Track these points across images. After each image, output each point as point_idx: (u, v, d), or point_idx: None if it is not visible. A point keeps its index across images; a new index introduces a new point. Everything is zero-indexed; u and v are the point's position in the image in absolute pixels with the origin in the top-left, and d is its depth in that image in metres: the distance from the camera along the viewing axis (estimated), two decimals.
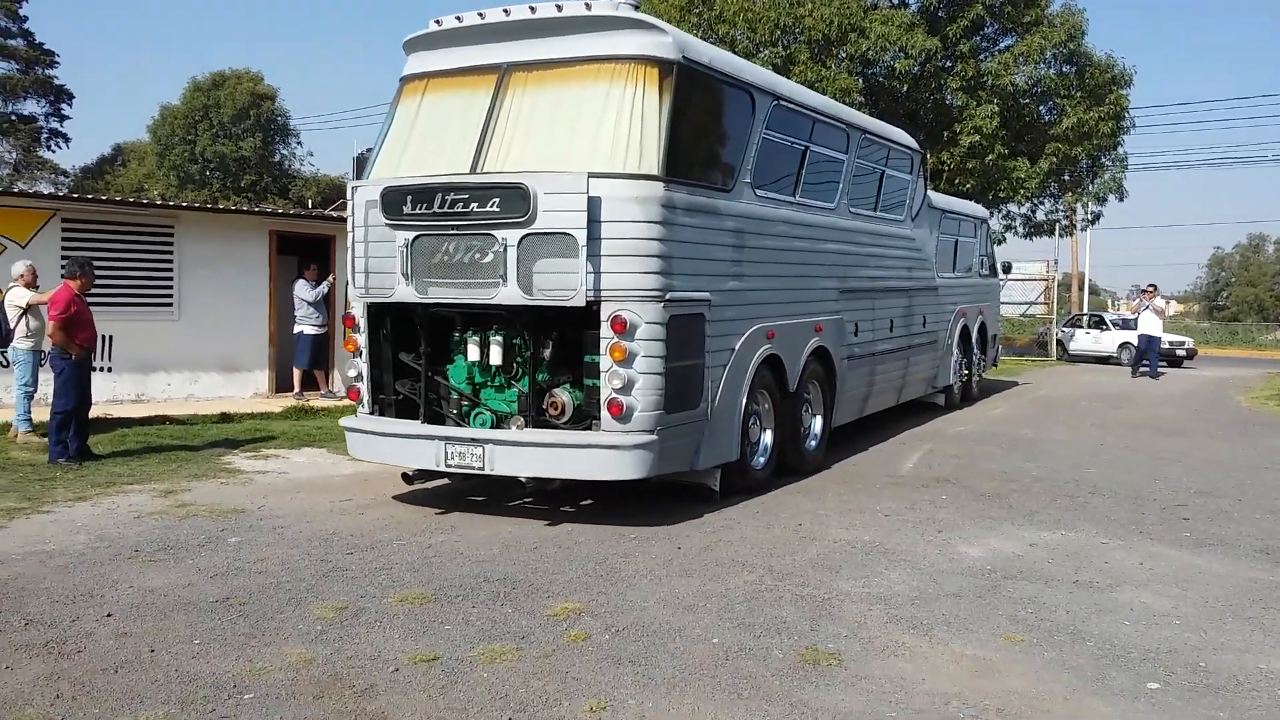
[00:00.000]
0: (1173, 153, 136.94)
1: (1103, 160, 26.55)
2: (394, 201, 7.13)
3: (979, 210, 16.55)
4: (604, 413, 6.82)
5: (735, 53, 22.47)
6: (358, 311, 7.66)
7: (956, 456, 10.26)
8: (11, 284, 9.99)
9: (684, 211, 7.02)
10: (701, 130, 7.67)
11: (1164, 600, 5.52)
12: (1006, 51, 23.73)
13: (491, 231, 6.79)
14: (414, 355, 7.66)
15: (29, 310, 9.85)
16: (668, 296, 6.83)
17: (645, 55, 6.97)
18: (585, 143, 6.92)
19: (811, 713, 4.03)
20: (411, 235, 7.10)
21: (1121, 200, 27.37)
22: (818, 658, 4.60)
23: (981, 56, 24.09)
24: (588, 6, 7.09)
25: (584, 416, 7.16)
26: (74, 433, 9.19)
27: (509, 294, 6.80)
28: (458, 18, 7.59)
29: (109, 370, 12.30)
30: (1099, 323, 28.58)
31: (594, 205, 6.58)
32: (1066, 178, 26.83)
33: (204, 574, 5.78)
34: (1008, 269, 18.70)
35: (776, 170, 8.60)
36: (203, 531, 6.75)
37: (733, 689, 4.25)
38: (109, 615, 5.07)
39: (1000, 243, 27.08)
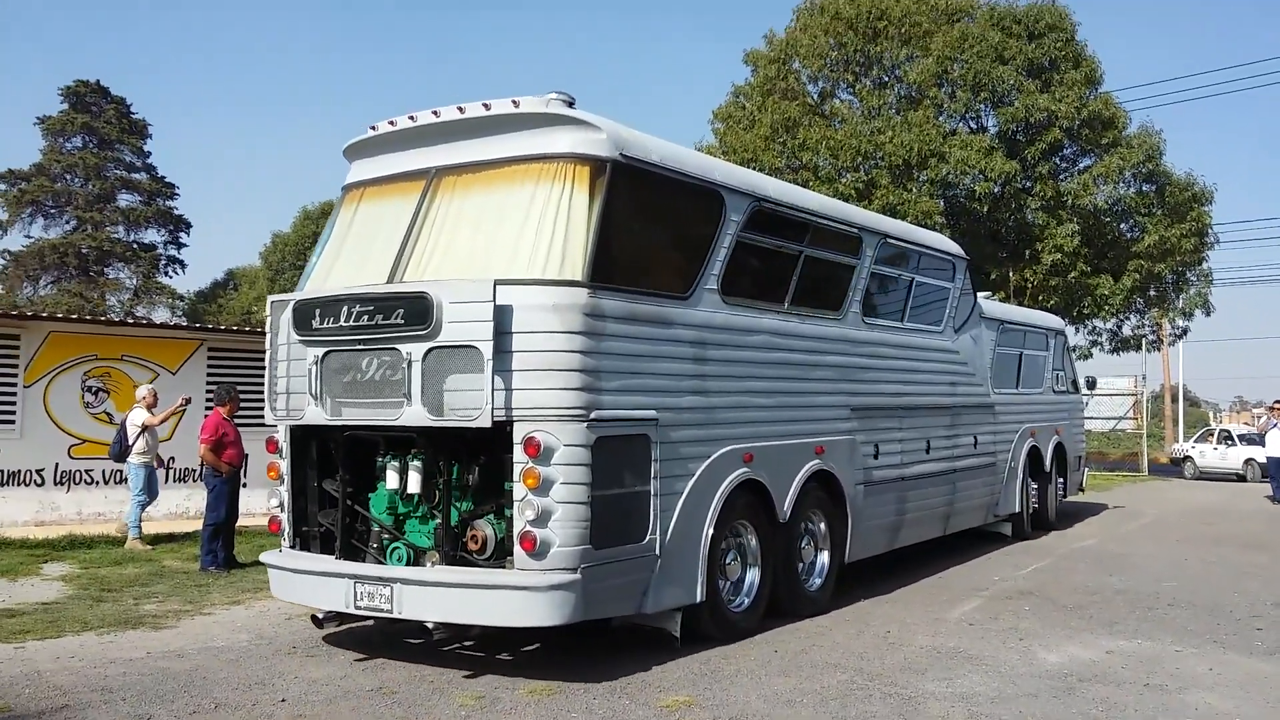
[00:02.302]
0: (1258, 267, 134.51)
1: (1188, 275, 26.81)
2: (304, 316, 6.69)
3: (1050, 321, 15.27)
4: (516, 548, 6.10)
5: (815, 179, 23.70)
6: (280, 435, 7.13)
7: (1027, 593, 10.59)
8: (135, 405, 11.52)
9: (618, 321, 6.41)
10: (646, 233, 7.17)
11: (1228, 701, 5.95)
12: (1085, 172, 24.39)
13: (397, 346, 6.28)
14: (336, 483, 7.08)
15: (145, 430, 11.30)
16: (593, 415, 6.15)
17: (574, 153, 6.50)
18: (506, 248, 6.43)
19: None
20: (321, 351, 6.64)
21: (1209, 315, 27.52)
22: None
23: (1061, 177, 24.80)
24: (515, 104, 6.70)
25: (508, 552, 6.32)
26: (222, 543, 10.20)
27: (414, 414, 6.23)
28: (391, 122, 7.30)
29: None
30: (1226, 438, 28.29)
31: (503, 315, 6.02)
32: (1151, 293, 27.09)
33: (356, 668, 6.56)
34: (1092, 385, 17.49)
35: (758, 276, 8.03)
36: (347, 631, 7.55)
37: None
38: (283, 700, 5.86)
39: (1086, 358, 27.33)
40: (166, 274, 54.06)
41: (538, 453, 6.00)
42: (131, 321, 15.40)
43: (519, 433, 6.06)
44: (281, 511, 7.12)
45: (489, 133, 6.80)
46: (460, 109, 6.90)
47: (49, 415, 12.69)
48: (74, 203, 48.03)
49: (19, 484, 12.53)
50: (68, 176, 48.55)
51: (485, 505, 6.53)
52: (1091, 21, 55.23)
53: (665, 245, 7.35)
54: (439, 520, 6.59)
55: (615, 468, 6.32)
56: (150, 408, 11.43)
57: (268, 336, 7.10)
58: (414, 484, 6.57)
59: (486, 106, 6.78)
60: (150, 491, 11.49)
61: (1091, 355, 27.98)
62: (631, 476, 6.48)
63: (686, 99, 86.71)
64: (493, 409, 5.97)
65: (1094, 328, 27.89)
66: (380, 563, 6.69)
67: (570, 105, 6.71)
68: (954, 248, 11.40)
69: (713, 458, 7.11)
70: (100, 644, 7.21)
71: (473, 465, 6.59)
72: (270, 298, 7.22)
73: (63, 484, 12.76)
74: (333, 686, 6.15)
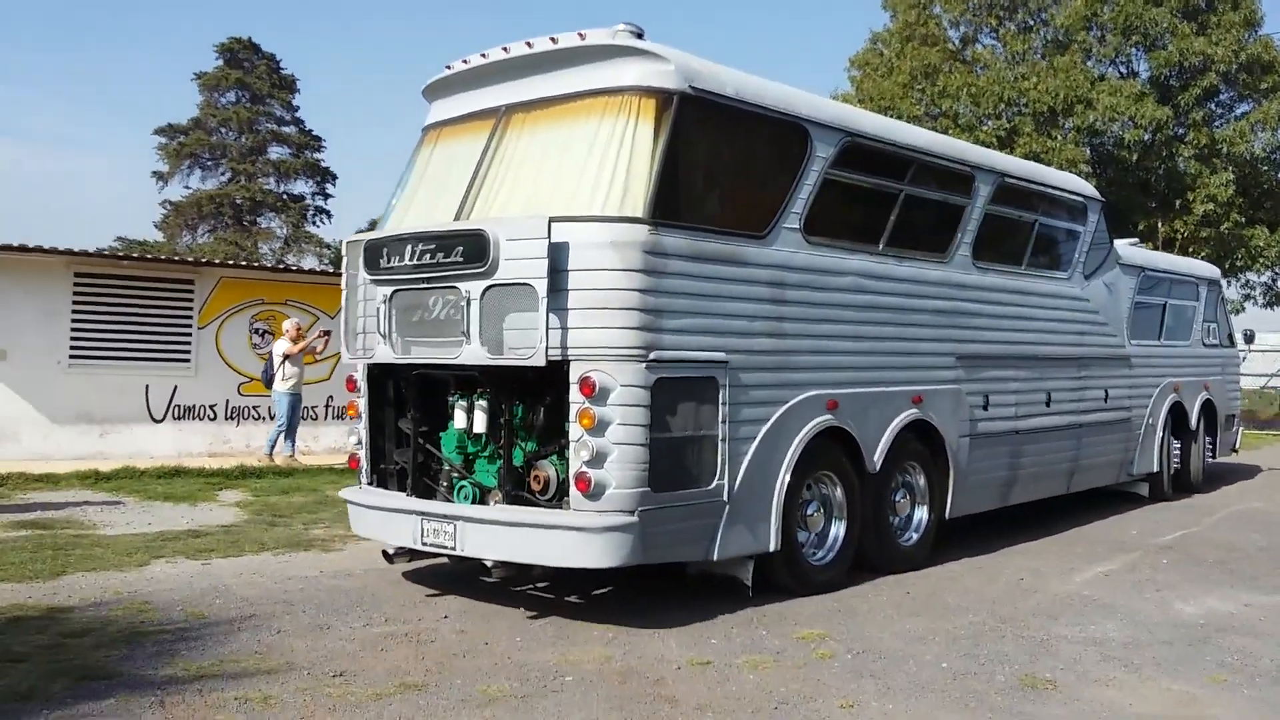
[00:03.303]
0: None
1: None
2: (374, 255, 6.77)
3: (1203, 269, 14.30)
4: (572, 488, 6.02)
5: (955, 126, 23.22)
6: (358, 374, 7.21)
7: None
8: (281, 337, 12.73)
9: (684, 259, 6.24)
10: (719, 169, 6.90)
11: None
12: (1243, 119, 23.32)
13: (457, 284, 6.27)
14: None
15: (288, 359, 12.35)
16: (652, 356, 6.00)
17: (641, 86, 6.31)
18: (569, 184, 6.32)
19: None
20: (389, 290, 6.70)
21: None
22: (1036, 683, 5.33)
23: (1216, 124, 23.76)
24: (581, 37, 6.53)
25: (569, 493, 6.20)
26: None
27: (473, 353, 6.22)
28: (464, 60, 7.22)
29: None
30: None
31: (558, 252, 5.92)
32: None
33: (505, 593, 7.02)
34: (1250, 339, 16.25)
35: (849, 215, 7.75)
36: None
37: (961, 701, 5.05)
38: (445, 617, 6.37)
39: (1238, 312, 26.23)
40: (315, 224, 56.07)
41: (593, 392, 5.89)
42: (295, 269, 16.38)
43: (575, 372, 5.98)
44: (360, 449, 7.24)
45: (557, 67, 6.67)
46: (529, 44, 6.77)
47: (220, 355, 13.73)
48: (228, 155, 50.25)
49: (194, 418, 13.59)
50: (222, 130, 50.73)
51: (550, 446, 6.45)
52: None
53: (740, 182, 7.04)
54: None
55: (677, 410, 6.19)
56: (294, 340, 12.44)
57: (344, 276, 7.09)
58: (480, 423, 6.55)
59: (554, 40, 6.64)
60: (291, 421, 12.49)
61: (1244, 309, 26.87)
62: (696, 419, 6.33)
63: (821, 45, 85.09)
64: (547, 348, 5.91)
65: (1247, 281, 26.76)
66: (449, 501, 6.72)
67: (639, 36, 6.49)
68: (1087, 189, 10.79)
69: (791, 403, 6.86)
70: (277, 563, 7.89)
71: (538, 405, 6.52)
72: (346, 238, 7.23)
73: (233, 419, 13.81)
74: (492, 605, 6.65)
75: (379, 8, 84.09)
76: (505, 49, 6.91)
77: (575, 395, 5.97)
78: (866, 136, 7.62)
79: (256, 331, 13.94)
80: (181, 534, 8.84)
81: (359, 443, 7.25)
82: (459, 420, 6.69)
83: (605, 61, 6.48)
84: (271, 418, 13.21)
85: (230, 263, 15.89)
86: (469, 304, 6.19)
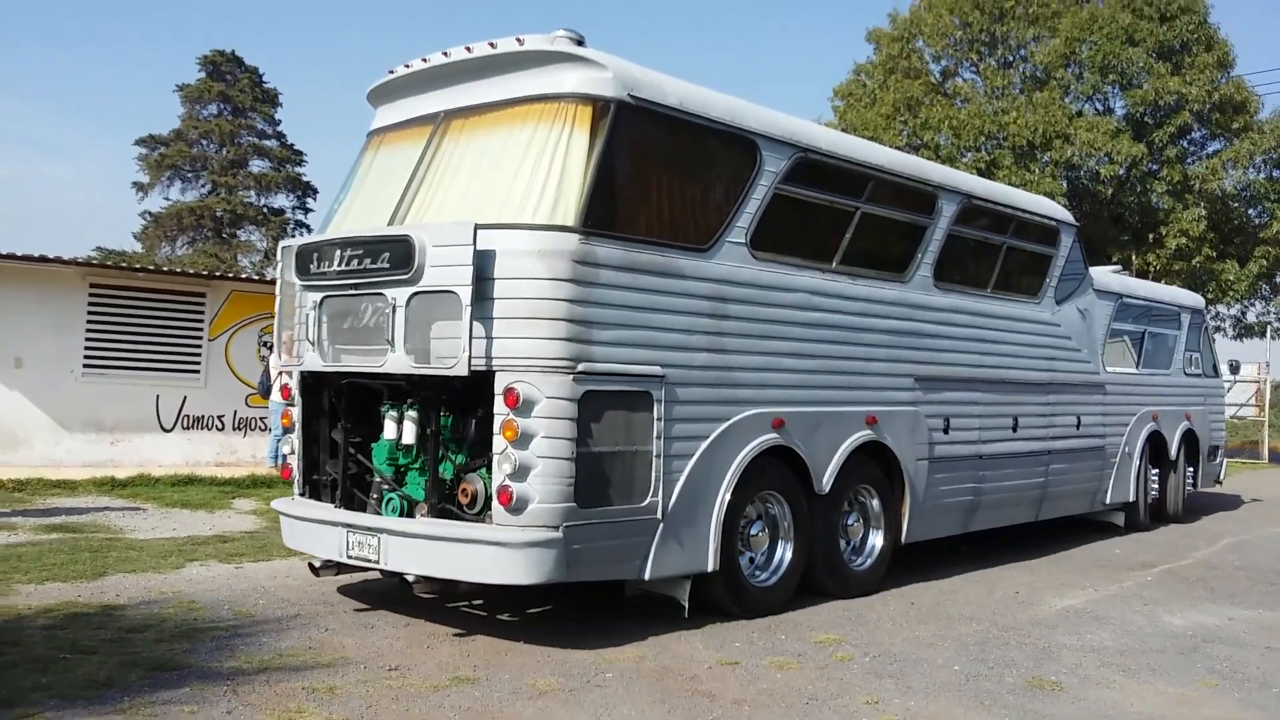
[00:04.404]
0: None
1: None
2: (304, 261, 6.65)
3: (1185, 298, 14.04)
4: (495, 502, 5.88)
5: (936, 158, 23.85)
6: (292, 382, 7.06)
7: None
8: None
9: (617, 270, 6.12)
10: (659, 180, 6.73)
11: None
12: (1215, 157, 24.07)
13: (383, 291, 6.15)
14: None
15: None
16: (580, 368, 5.88)
17: (577, 93, 6.23)
18: (500, 192, 6.20)
19: (1040, 717, 5.20)
20: (319, 296, 6.60)
21: None
22: (1043, 684, 5.74)
23: (1189, 161, 24.51)
24: (520, 42, 6.44)
25: None
26: None
27: (397, 361, 6.10)
28: (406, 65, 7.15)
29: None
30: None
31: (484, 260, 5.82)
32: (1278, 279, 26.63)
33: (536, 596, 7.37)
34: (1235, 369, 16.20)
35: (800, 231, 7.59)
36: None
37: (976, 699, 5.45)
38: (483, 616, 6.72)
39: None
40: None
41: (517, 403, 5.76)
42: None
43: (499, 383, 5.84)
44: (293, 458, 7.11)
45: (495, 73, 6.57)
46: (469, 49, 6.69)
47: (229, 367, 14.02)
48: (209, 167, 50.29)
49: (203, 428, 13.85)
50: (204, 142, 50.79)
51: (479, 459, 6.28)
52: (1224, 3, 53.34)
53: (682, 194, 6.84)
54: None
55: (607, 424, 6.04)
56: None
57: (278, 282, 6.96)
58: (408, 435, 6.43)
59: (493, 45, 6.55)
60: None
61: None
62: (628, 434, 6.17)
63: (807, 76, 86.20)
64: (470, 357, 5.79)
65: (1218, 314, 27.52)
66: (378, 514, 6.56)
67: (579, 44, 6.39)
68: (1059, 212, 10.63)
69: (733, 420, 6.73)
70: (306, 566, 8.15)
71: (469, 418, 6.40)
72: (281, 243, 7.12)
73: (240, 429, 14.08)
74: (518, 610, 7.00)
75: (362, 23, 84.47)
76: (446, 54, 6.84)
77: (499, 406, 5.84)
78: (820, 153, 7.51)
79: (265, 344, 14.17)
80: (209, 539, 9.13)
81: (292, 452, 7.12)
82: (389, 431, 6.54)
83: (543, 68, 6.40)
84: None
85: (243, 276, 16.13)
86: (394, 311, 6.08)
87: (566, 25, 6.41)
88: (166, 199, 49.35)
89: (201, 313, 13.97)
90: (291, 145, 53.76)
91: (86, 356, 13.18)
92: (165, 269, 15.16)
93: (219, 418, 13.97)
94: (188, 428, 13.73)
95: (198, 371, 13.91)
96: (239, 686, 5.14)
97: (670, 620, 6.69)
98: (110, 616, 6.37)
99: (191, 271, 15.46)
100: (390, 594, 7.26)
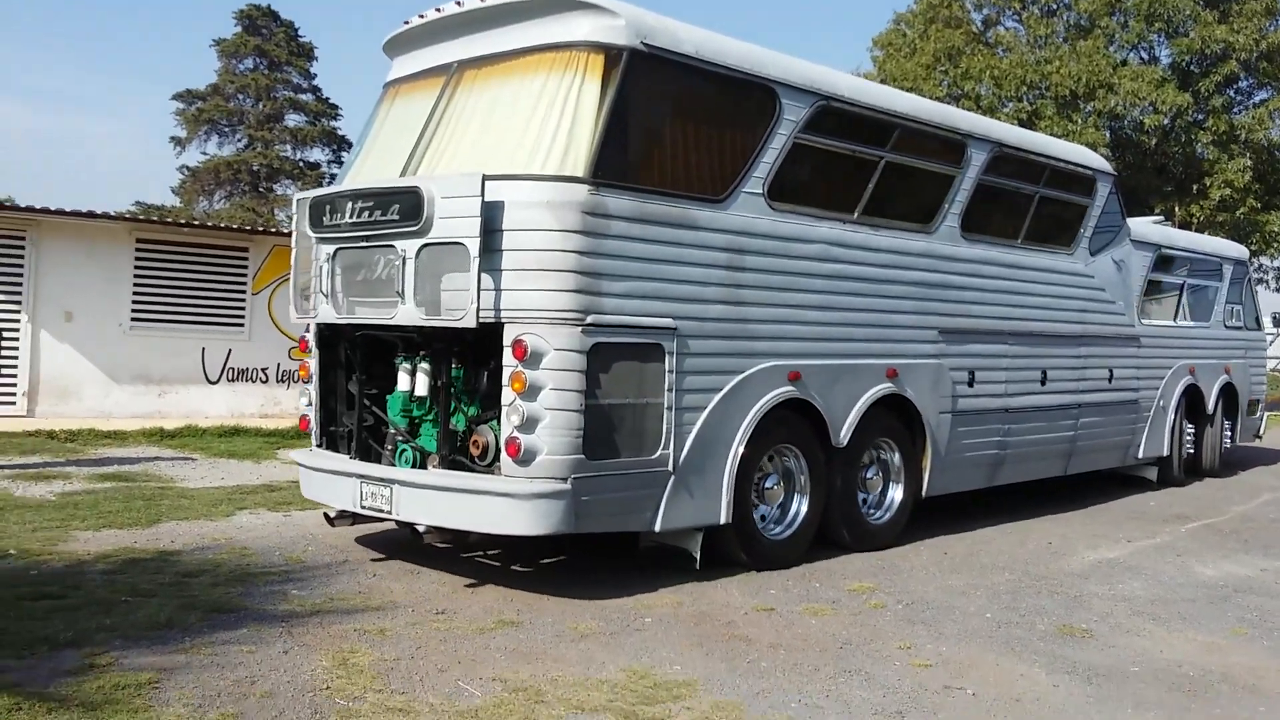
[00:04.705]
0: None
1: None
2: (317, 213, 6.67)
3: (1228, 249, 13.75)
4: (503, 454, 5.89)
5: (977, 108, 23.57)
6: (309, 334, 7.10)
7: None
8: None
9: (629, 221, 6.06)
10: (673, 129, 6.67)
11: None
12: (1261, 106, 23.63)
13: (394, 243, 6.14)
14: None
15: None
16: (589, 320, 5.84)
17: (589, 41, 6.13)
18: (512, 142, 6.15)
19: (1070, 664, 5.31)
20: (332, 249, 6.61)
21: None
22: (1073, 631, 5.86)
23: (1235, 111, 24.08)
24: None
25: None
26: None
27: (407, 313, 6.09)
28: (421, 15, 7.07)
29: None
30: None
31: (493, 211, 5.78)
32: None
33: (580, 544, 7.55)
34: (1278, 322, 15.86)
35: (821, 182, 7.51)
36: None
37: (1006, 645, 5.58)
38: (518, 563, 6.92)
39: None
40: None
41: (525, 355, 5.73)
42: None
43: (508, 335, 5.83)
44: (310, 410, 7.16)
45: (509, 22, 6.50)
46: None
47: (273, 320, 14.23)
48: (246, 122, 50.55)
49: (248, 380, 14.14)
50: (240, 96, 51.02)
51: (491, 411, 6.26)
52: None
53: (697, 143, 6.75)
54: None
55: (617, 376, 6.01)
56: None
57: (293, 235, 6.99)
58: (421, 386, 6.48)
59: None
60: None
61: (1257, 294, 27.23)
62: (639, 386, 6.14)
63: (846, 26, 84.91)
64: (479, 309, 5.76)
65: (1261, 265, 27.16)
66: (392, 465, 6.63)
67: None
68: (1095, 161, 10.37)
69: (747, 373, 6.66)
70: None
71: (481, 369, 6.39)
72: (295, 195, 7.12)
73: (283, 381, 14.35)
74: (556, 558, 7.19)
75: None
76: (459, 3, 6.77)
77: (508, 358, 5.82)
78: (842, 100, 7.35)
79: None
80: (257, 488, 9.38)
81: (309, 404, 7.17)
82: (403, 383, 6.60)
83: (556, 16, 6.30)
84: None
85: (285, 231, 16.37)
86: (404, 263, 6.06)
87: None
88: (204, 153, 49.69)
89: (245, 267, 14.19)
90: (327, 99, 53.84)
91: (134, 310, 13.44)
92: (209, 224, 15.38)
93: (263, 370, 14.24)
94: (233, 380, 14.00)
95: (242, 325, 14.15)
96: (294, 628, 5.35)
97: (706, 569, 6.83)
98: (166, 562, 6.61)
99: (235, 226, 15.68)
100: (432, 546, 7.48)
